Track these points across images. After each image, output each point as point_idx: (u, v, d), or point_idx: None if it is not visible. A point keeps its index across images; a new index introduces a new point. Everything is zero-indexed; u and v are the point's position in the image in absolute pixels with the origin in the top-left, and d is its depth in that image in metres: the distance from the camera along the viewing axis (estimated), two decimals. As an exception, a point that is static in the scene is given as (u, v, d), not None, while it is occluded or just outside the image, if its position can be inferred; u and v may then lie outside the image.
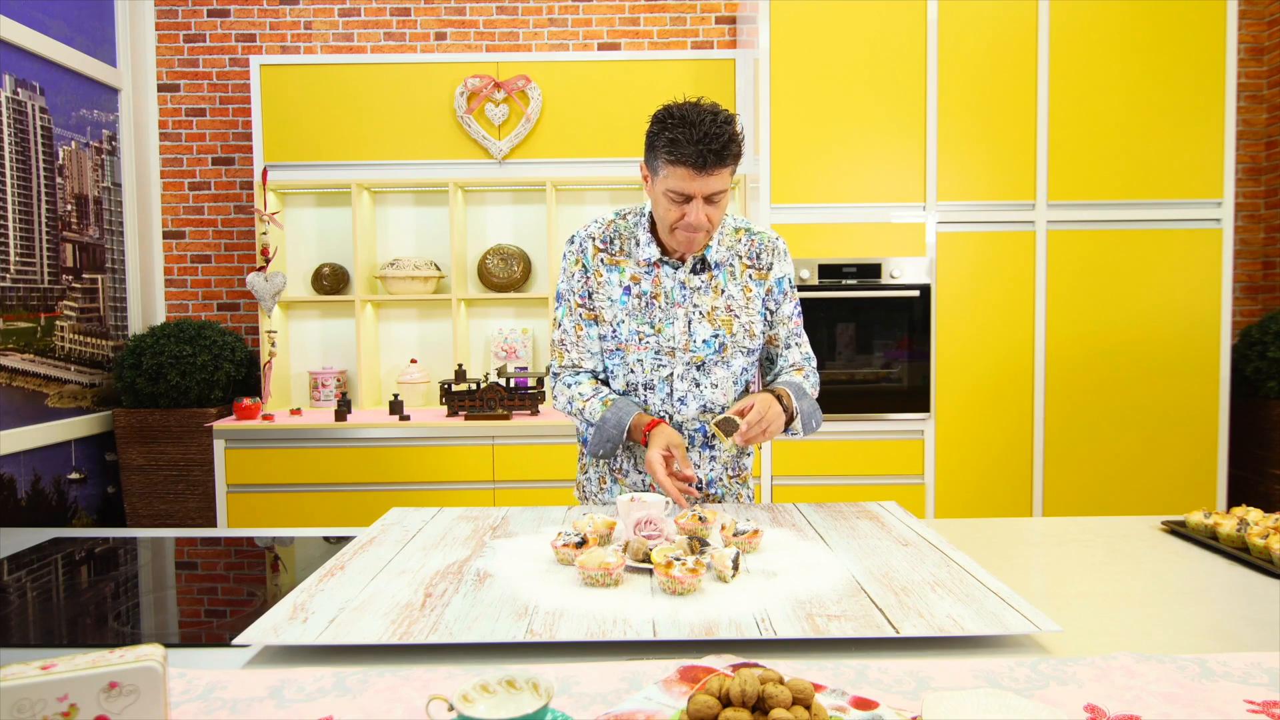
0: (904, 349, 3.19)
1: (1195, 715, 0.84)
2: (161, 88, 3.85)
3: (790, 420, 1.66)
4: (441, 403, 3.41)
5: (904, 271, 3.17)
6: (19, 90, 3.08)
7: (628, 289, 1.69)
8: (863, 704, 0.85)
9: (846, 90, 3.15)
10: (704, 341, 1.68)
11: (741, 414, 1.59)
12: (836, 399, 3.19)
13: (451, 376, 3.70)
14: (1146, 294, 3.19)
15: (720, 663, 0.94)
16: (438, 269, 3.68)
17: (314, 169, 3.60)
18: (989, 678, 0.92)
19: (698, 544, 1.28)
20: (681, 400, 1.70)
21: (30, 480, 3.12)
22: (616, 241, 1.72)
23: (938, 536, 1.45)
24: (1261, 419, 3.41)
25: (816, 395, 1.78)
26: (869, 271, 3.16)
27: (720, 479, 1.78)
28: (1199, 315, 3.18)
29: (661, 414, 1.71)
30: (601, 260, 1.71)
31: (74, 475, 3.35)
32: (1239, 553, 1.40)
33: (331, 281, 3.67)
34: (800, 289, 3.14)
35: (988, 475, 3.21)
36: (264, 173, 3.53)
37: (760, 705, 0.74)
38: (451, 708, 0.76)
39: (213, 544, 1.65)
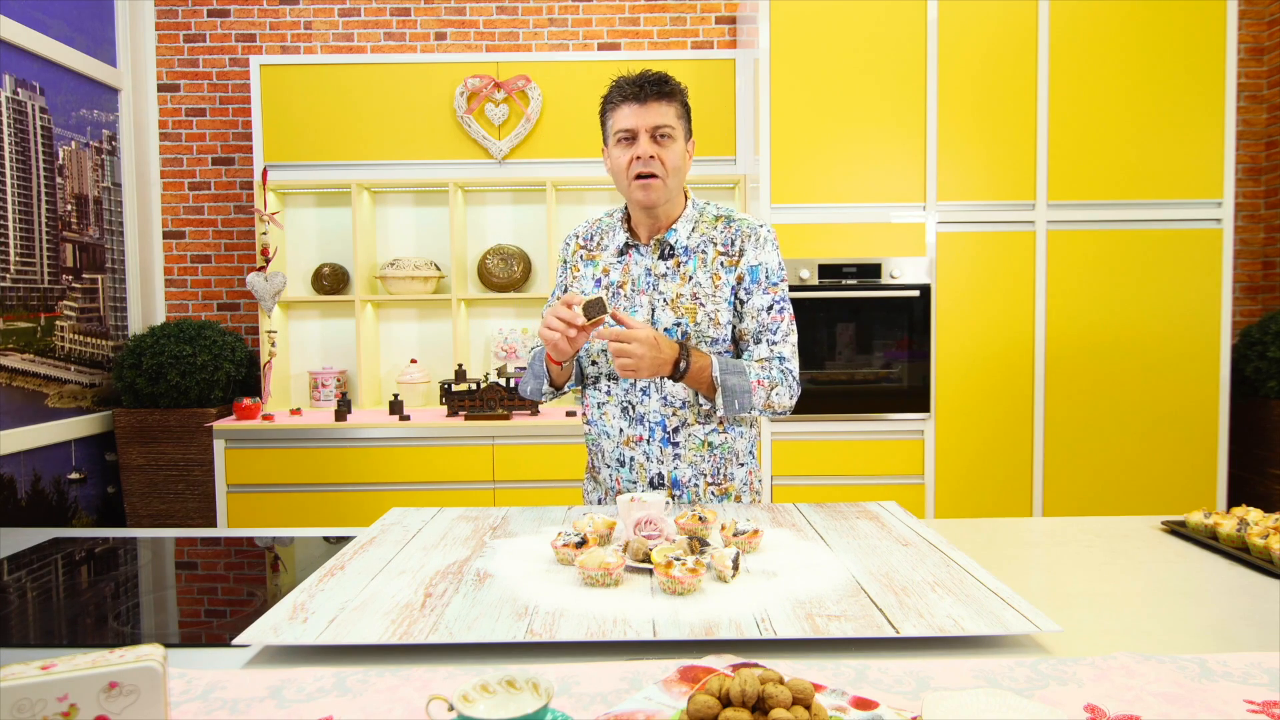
0: (904, 349, 3.19)
1: (1195, 715, 0.84)
2: (161, 88, 3.85)
3: (711, 390, 1.61)
4: (441, 403, 3.41)
5: (904, 271, 3.16)
6: (19, 90, 3.08)
7: (599, 281, 1.73)
8: (863, 704, 0.85)
9: (846, 90, 3.15)
10: (665, 330, 1.65)
11: (625, 332, 1.50)
12: (836, 399, 3.19)
13: (451, 376, 3.70)
14: (1146, 294, 3.18)
15: (720, 663, 0.94)
16: (438, 269, 3.68)
17: (314, 169, 3.60)
18: (989, 678, 0.92)
19: (698, 544, 1.28)
20: (644, 391, 1.68)
21: (30, 480, 3.12)
22: (596, 237, 1.77)
23: (938, 536, 1.45)
24: (1261, 419, 3.41)
25: (780, 402, 1.65)
26: (869, 271, 3.16)
27: (693, 483, 1.70)
28: (1199, 315, 3.18)
29: (625, 404, 1.70)
30: (580, 256, 1.77)
31: (74, 475, 3.35)
32: (1239, 553, 1.40)
33: (331, 281, 3.67)
34: (800, 289, 3.13)
35: (988, 475, 3.21)
36: (264, 173, 3.53)
37: (760, 705, 0.74)
38: (451, 708, 0.76)
39: (213, 544, 1.65)
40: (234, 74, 3.86)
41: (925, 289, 3.16)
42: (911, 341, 3.18)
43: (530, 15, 3.87)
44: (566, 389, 1.76)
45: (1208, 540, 1.48)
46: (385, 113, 3.59)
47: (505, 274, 3.68)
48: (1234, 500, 3.41)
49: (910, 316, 3.18)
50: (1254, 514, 1.47)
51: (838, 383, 3.20)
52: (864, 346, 3.22)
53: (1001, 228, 3.18)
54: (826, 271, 3.16)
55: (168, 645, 1.01)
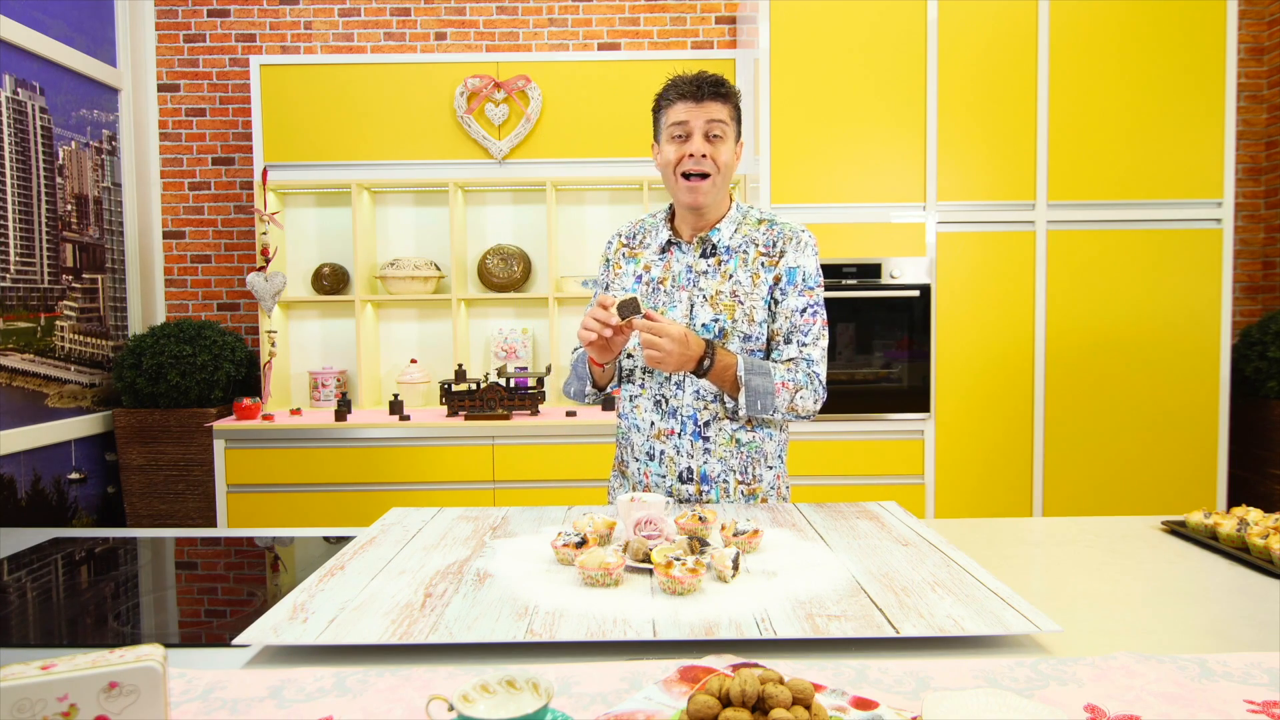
0: (904, 349, 3.19)
1: (1195, 715, 0.84)
2: (161, 88, 3.85)
3: (735, 389, 1.63)
4: (441, 403, 3.41)
5: (904, 271, 3.16)
6: (19, 90, 3.08)
7: (639, 277, 1.75)
8: (863, 704, 0.85)
9: (846, 90, 3.15)
10: (703, 325, 1.67)
11: (658, 328, 1.54)
12: (836, 399, 3.19)
13: (451, 376, 3.70)
14: (1146, 294, 3.18)
15: (720, 663, 0.94)
16: (438, 269, 3.68)
17: (314, 169, 3.60)
18: (989, 678, 0.92)
19: (698, 544, 1.28)
20: (678, 385, 1.70)
21: (30, 480, 3.12)
22: (640, 235, 1.80)
23: (938, 536, 1.45)
24: (1261, 419, 3.41)
25: (804, 406, 1.66)
26: (869, 271, 3.16)
27: (723, 479, 1.71)
28: (1199, 315, 3.18)
29: (658, 398, 1.72)
30: (623, 254, 1.80)
31: (74, 475, 3.35)
32: (1239, 553, 1.40)
33: (331, 281, 3.67)
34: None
35: (988, 475, 3.21)
36: (264, 173, 3.53)
37: (760, 705, 0.74)
38: (451, 708, 0.76)
39: (213, 544, 1.65)
40: (234, 74, 3.86)
41: (925, 289, 3.16)
42: (911, 341, 3.18)
43: (530, 15, 3.87)
44: (609, 390, 1.79)
45: (1208, 540, 1.48)
46: (385, 113, 3.59)
47: (505, 274, 3.68)
48: (1234, 500, 3.41)
49: (910, 316, 3.18)
50: (1254, 514, 1.48)
51: (838, 383, 3.20)
52: (864, 346, 3.22)
53: (1001, 228, 3.18)
54: (826, 271, 3.15)
55: (168, 645, 1.01)
